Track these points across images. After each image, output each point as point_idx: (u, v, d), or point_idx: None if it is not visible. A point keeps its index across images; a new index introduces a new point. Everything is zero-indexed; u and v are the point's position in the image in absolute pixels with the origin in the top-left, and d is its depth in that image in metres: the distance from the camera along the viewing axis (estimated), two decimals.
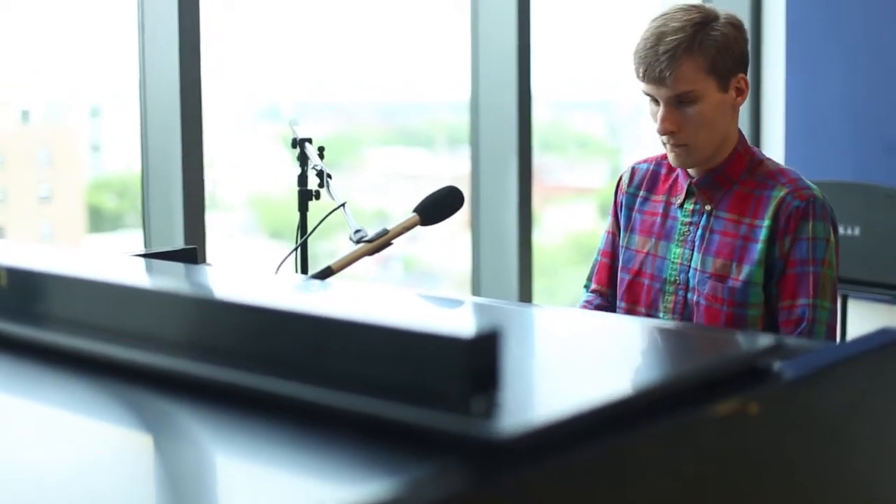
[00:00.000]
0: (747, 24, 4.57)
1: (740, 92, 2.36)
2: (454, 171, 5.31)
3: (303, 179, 2.65)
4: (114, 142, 4.66)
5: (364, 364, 1.12)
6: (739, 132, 2.42)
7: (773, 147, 4.73)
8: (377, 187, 4.81)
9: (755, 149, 2.44)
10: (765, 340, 1.36)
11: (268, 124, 4.86)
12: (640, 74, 2.31)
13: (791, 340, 1.81)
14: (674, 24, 2.29)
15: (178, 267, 1.91)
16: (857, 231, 4.22)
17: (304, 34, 4.29)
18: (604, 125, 5.52)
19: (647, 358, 1.37)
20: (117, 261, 1.97)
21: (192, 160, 3.31)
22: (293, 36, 4.26)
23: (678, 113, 2.31)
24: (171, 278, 1.64)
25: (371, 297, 1.74)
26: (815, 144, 4.59)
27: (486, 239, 4.20)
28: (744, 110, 4.64)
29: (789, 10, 4.61)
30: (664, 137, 2.35)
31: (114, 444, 1.14)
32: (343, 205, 2.27)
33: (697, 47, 2.27)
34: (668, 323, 2.09)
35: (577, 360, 1.34)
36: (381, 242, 2.12)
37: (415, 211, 2.17)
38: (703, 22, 2.30)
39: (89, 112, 4.38)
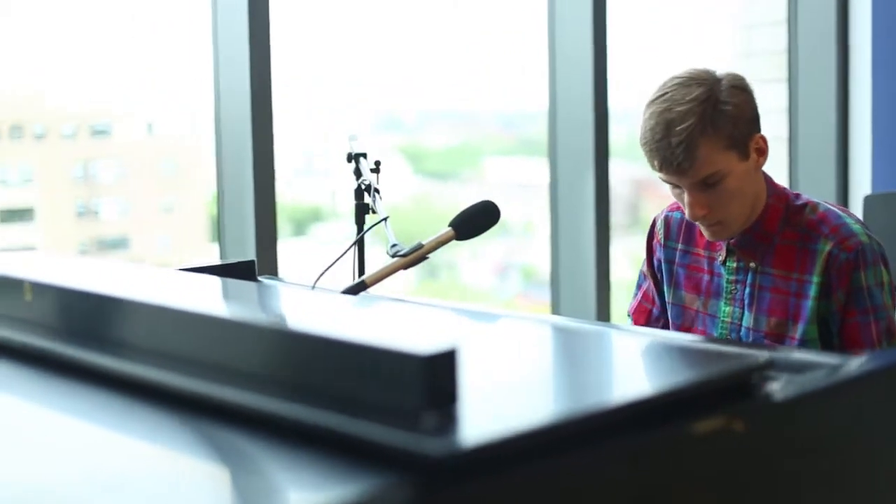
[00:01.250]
0: (833, 32, 4.58)
1: (761, 152, 2.23)
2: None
3: (359, 194, 2.68)
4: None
5: (323, 378, 1.16)
6: (767, 180, 2.30)
7: (861, 158, 4.65)
8: (494, 197, 4.84)
9: (788, 192, 2.32)
10: (758, 357, 1.36)
11: (388, 134, 4.92)
12: (656, 166, 2.19)
13: (803, 356, 1.80)
14: (679, 109, 2.14)
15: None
16: None
17: (425, 43, 4.33)
18: None
19: (627, 374, 1.38)
20: (161, 277, 2.03)
21: (264, 172, 3.38)
22: (414, 45, 4.32)
23: (705, 195, 2.19)
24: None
25: (357, 310, 1.78)
26: None
27: (564, 248, 4.21)
28: (829, 119, 4.58)
29: (875, 16, 4.53)
30: (696, 220, 2.24)
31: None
32: (385, 219, 2.30)
33: (711, 128, 2.14)
34: (661, 337, 2.03)
35: (554, 375, 1.35)
36: (415, 257, 2.14)
37: (450, 225, 2.19)
38: (708, 98, 2.15)
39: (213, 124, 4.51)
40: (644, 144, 2.19)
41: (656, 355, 1.46)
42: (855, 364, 1.55)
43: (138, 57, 3.63)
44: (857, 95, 4.67)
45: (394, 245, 2.17)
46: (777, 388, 1.40)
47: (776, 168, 4.90)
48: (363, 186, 2.48)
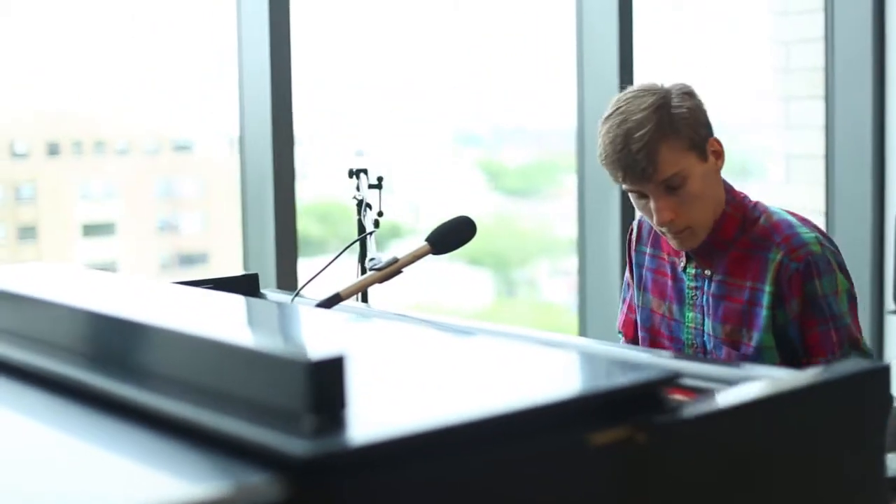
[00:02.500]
0: (869, 43, 4.56)
1: (718, 155, 2.28)
2: None
3: (360, 209, 2.75)
4: (318, 169, 4.87)
5: (218, 380, 1.23)
6: (726, 188, 2.34)
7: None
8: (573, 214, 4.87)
9: (747, 200, 2.36)
10: (664, 370, 1.39)
11: (468, 149, 4.98)
12: (621, 178, 2.23)
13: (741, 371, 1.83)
14: (635, 118, 2.20)
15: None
16: None
17: (504, 60, 4.39)
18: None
19: (525, 383, 1.42)
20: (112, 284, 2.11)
21: (284, 186, 3.46)
22: (492, 61, 4.37)
23: (671, 199, 2.23)
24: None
25: (289, 319, 1.84)
26: None
27: (591, 269, 4.24)
28: (865, 136, 4.56)
29: None
30: (663, 228, 2.27)
31: None
32: (370, 233, 2.36)
33: (670, 130, 2.20)
34: (576, 346, 2.05)
35: (453, 383, 1.40)
36: (390, 271, 2.19)
37: (426, 240, 2.24)
38: (662, 103, 2.21)
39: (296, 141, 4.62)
40: (605, 159, 2.24)
41: (563, 365, 1.50)
42: (783, 381, 1.58)
43: (219, 74, 3.72)
44: (893, 113, 4.65)
45: (371, 259, 2.23)
46: (691, 402, 1.43)
47: (814, 185, 4.89)
48: (356, 201, 2.54)
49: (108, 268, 4.37)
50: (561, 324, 4.71)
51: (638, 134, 2.18)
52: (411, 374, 1.46)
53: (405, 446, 1.14)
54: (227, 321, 1.70)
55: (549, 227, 4.77)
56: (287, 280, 3.45)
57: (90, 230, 4.42)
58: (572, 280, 4.76)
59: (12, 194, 4.29)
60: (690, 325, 2.38)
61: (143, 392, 1.28)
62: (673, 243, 2.33)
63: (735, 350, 2.29)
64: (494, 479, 1.22)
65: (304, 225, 4.31)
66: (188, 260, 4.50)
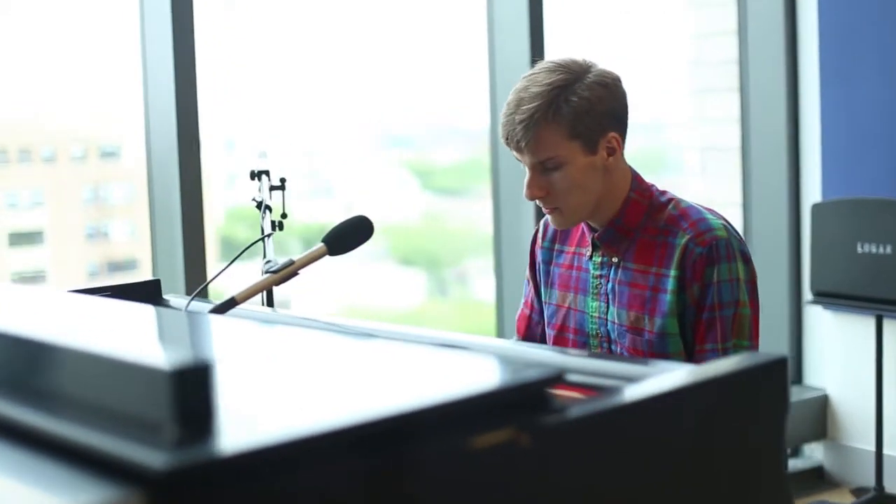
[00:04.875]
0: (781, 36, 4.58)
1: (611, 151, 2.27)
2: None
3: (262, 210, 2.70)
4: (247, 173, 4.81)
5: (75, 388, 1.18)
6: (634, 176, 2.34)
7: (811, 165, 4.65)
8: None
9: (654, 189, 2.35)
10: (547, 370, 1.36)
11: (395, 150, 4.94)
12: (504, 138, 2.26)
13: (645, 369, 1.81)
14: (533, 90, 2.21)
15: None
16: (888, 249, 4.12)
17: (434, 60, 4.36)
18: None
19: (403, 386, 1.38)
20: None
21: (191, 193, 3.40)
22: (423, 61, 4.34)
23: (544, 178, 2.24)
24: None
25: (164, 326, 1.79)
26: (853, 161, 4.50)
27: (507, 267, 4.21)
28: (779, 127, 4.58)
29: (822, 26, 4.53)
30: (532, 200, 2.29)
31: None
32: (267, 236, 2.32)
33: (554, 115, 2.19)
34: (477, 346, 2.03)
35: (331, 389, 1.36)
36: (286, 273, 2.15)
37: (322, 241, 2.20)
38: (564, 85, 2.20)
39: (224, 144, 4.54)
40: (502, 117, 2.27)
41: (449, 368, 1.46)
42: (675, 378, 1.56)
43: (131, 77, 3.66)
44: (807, 105, 4.67)
45: (267, 261, 2.19)
46: (577, 402, 1.40)
47: (730, 177, 4.90)
48: (255, 203, 2.49)
49: (37, 276, 4.29)
50: (492, 322, 4.71)
51: (525, 106, 2.20)
52: (291, 380, 1.41)
53: (272, 455, 1.09)
54: (104, 330, 1.64)
55: (480, 226, 4.78)
56: (197, 285, 3.39)
57: (17, 239, 4.33)
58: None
59: None
60: (594, 314, 2.37)
61: (6, 404, 1.22)
62: (549, 218, 2.35)
63: (639, 337, 2.28)
64: (371, 485, 1.18)
65: (232, 229, 4.26)
66: (117, 267, 4.42)
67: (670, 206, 2.31)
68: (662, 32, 5.10)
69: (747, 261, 2.28)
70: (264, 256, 2.43)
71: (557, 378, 1.36)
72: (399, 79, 4.36)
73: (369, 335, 2.10)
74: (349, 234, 2.20)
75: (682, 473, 1.52)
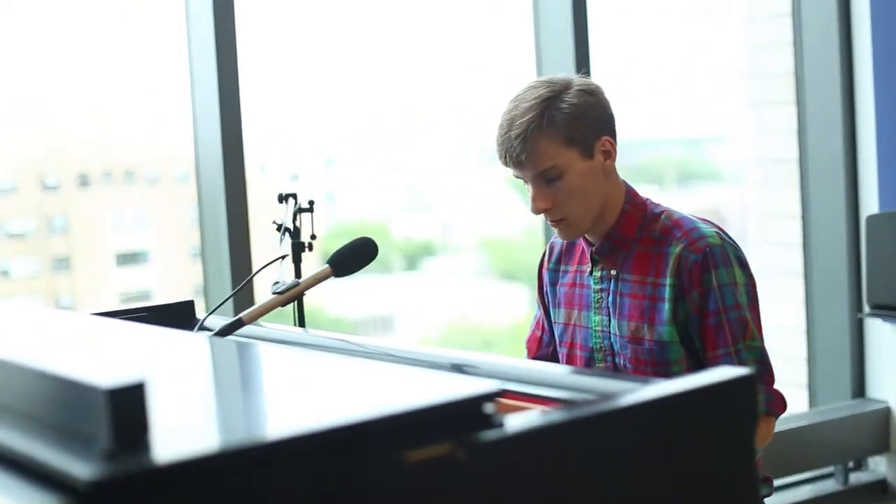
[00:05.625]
0: (835, 43, 4.56)
1: (607, 155, 2.35)
2: (685, 206, 5.38)
3: (296, 233, 2.79)
4: (348, 190, 4.93)
5: (22, 403, 1.28)
6: (627, 190, 2.41)
7: (869, 176, 4.63)
8: None
9: (648, 202, 2.42)
10: (484, 387, 1.41)
11: (495, 166, 5.03)
12: (502, 160, 2.33)
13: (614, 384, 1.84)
14: (523, 106, 2.29)
15: None
16: None
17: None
18: None
19: (338, 399, 1.45)
20: None
21: (238, 212, 3.51)
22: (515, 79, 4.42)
23: (548, 189, 2.31)
24: None
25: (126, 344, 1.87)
26: None
27: None
28: (836, 139, 4.57)
29: (875, 37, 4.51)
30: (539, 215, 2.35)
31: None
32: (283, 257, 2.40)
33: (548, 124, 2.27)
34: (404, 359, 2.10)
35: (277, 404, 1.43)
36: (292, 294, 2.23)
37: (328, 263, 2.28)
38: (551, 97, 2.29)
39: (324, 161, 4.67)
40: (495, 141, 2.34)
41: (395, 383, 1.53)
42: (630, 394, 1.60)
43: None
44: (863, 116, 4.65)
45: (276, 282, 2.27)
46: (518, 417, 1.46)
47: (789, 189, 4.89)
48: (275, 226, 2.58)
49: (143, 296, 4.43)
50: None
51: (519, 122, 2.28)
52: (241, 397, 1.50)
53: (199, 467, 1.17)
54: (71, 349, 1.75)
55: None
56: (243, 304, 3.49)
57: (123, 259, 4.49)
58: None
59: (45, 226, 4.36)
60: (597, 328, 2.42)
61: None
62: (556, 232, 2.41)
63: (639, 346, 2.33)
64: (306, 498, 1.25)
65: (334, 245, 4.35)
66: None
67: (663, 217, 2.38)
68: (717, 45, 5.11)
69: (744, 265, 2.33)
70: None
71: (497, 394, 1.42)
72: (496, 94, 4.43)
73: (371, 354, 2.18)
74: (354, 256, 2.28)
75: (640, 491, 1.55)
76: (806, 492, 4.64)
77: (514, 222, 4.80)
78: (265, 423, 1.34)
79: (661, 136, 5.31)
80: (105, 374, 1.22)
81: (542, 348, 2.60)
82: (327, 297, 4.41)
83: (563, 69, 4.10)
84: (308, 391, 1.51)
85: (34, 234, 4.34)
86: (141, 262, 4.54)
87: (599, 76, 4.17)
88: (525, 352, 2.67)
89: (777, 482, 4.58)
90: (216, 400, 1.47)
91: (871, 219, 4.38)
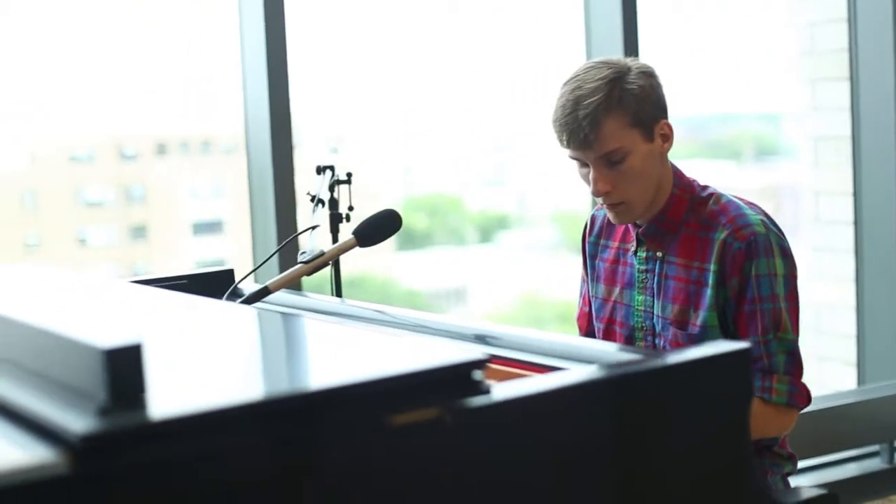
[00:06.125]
0: (889, 27, 4.53)
1: (666, 138, 2.35)
2: (761, 182, 5.39)
3: (333, 204, 2.87)
4: (425, 163, 4.99)
5: (28, 359, 1.37)
6: (675, 172, 2.41)
7: None
8: None
9: (696, 184, 2.42)
10: (471, 355, 1.48)
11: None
12: (565, 142, 2.31)
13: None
14: (588, 86, 2.27)
15: None
16: None
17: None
18: None
19: (325, 365, 1.52)
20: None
21: (284, 184, 3.60)
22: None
23: (610, 172, 2.30)
24: None
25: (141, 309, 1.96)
26: None
27: None
28: (889, 116, 4.54)
29: None
30: (600, 198, 2.35)
31: None
32: (313, 227, 2.47)
33: (616, 104, 2.26)
34: (392, 328, 2.16)
35: (253, 365, 1.52)
36: (317, 263, 2.30)
37: (353, 233, 2.35)
38: (616, 77, 2.28)
39: (402, 136, 4.75)
40: (555, 122, 2.32)
41: (386, 350, 1.60)
42: (620, 365, 1.65)
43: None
44: None
45: (303, 252, 2.34)
46: (506, 384, 1.52)
47: (842, 166, 4.88)
48: (309, 197, 2.65)
49: (218, 264, 4.55)
50: None
51: (586, 101, 2.26)
52: (235, 359, 1.58)
53: (190, 425, 1.26)
54: (83, 312, 1.84)
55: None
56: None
57: (199, 228, 4.58)
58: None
59: (123, 195, 4.46)
60: (640, 308, 2.44)
61: None
62: (610, 216, 2.40)
63: (682, 330, 2.34)
64: (294, 457, 1.32)
65: (410, 218, 4.41)
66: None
67: (711, 202, 2.38)
68: (774, 22, 5.09)
69: (786, 255, 2.33)
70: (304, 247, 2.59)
71: (485, 361, 1.48)
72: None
73: (400, 325, 2.25)
74: (378, 227, 2.34)
75: (631, 460, 1.60)
76: (851, 469, 4.64)
77: (588, 196, 4.84)
78: (259, 385, 1.41)
79: (740, 111, 5.30)
80: (105, 335, 1.31)
81: (592, 323, 2.61)
82: (402, 270, 4.47)
83: (611, 49, 4.13)
84: (307, 357, 1.59)
85: (112, 203, 4.44)
86: (217, 231, 4.63)
87: (650, 55, 4.20)
88: (577, 330, 2.68)
89: (822, 459, 4.61)
90: (216, 363, 1.55)
91: None
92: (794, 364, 2.33)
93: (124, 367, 1.29)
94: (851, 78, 4.80)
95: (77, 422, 1.22)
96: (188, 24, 4.01)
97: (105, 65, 3.98)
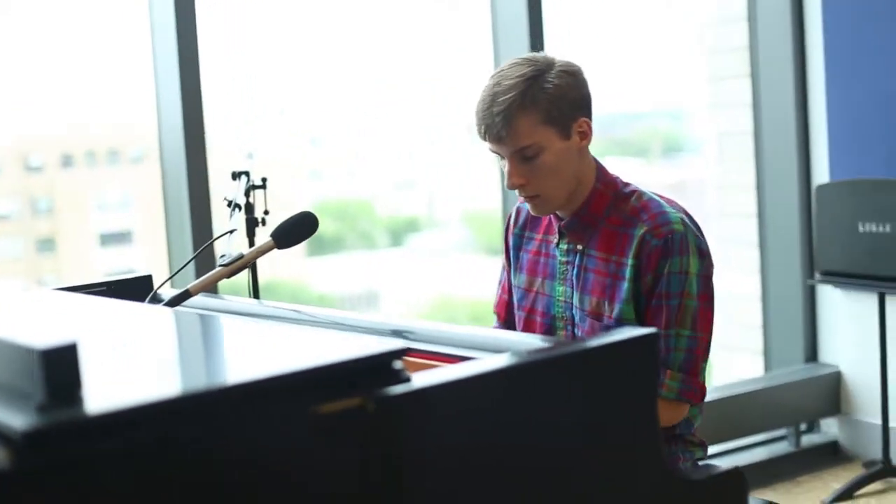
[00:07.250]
0: (788, 25, 4.69)
1: (584, 135, 2.40)
2: (669, 178, 5.48)
3: (249, 209, 2.92)
4: (332, 168, 4.98)
5: None
6: (598, 168, 2.47)
7: (819, 148, 4.76)
8: None
9: (619, 181, 2.48)
10: (392, 345, 1.55)
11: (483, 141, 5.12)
12: (482, 134, 2.38)
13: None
14: (507, 83, 2.33)
15: None
16: (888, 228, 4.23)
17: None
18: None
19: (250, 359, 1.59)
20: None
21: (198, 191, 3.64)
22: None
23: (524, 166, 2.36)
24: None
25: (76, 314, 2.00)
26: (857, 143, 4.61)
27: None
28: (789, 112, 4.70)
29: (826, 11, 4.64)
30: (514, 190, 2.42)
31: None
32: (231, 232, 2.52)
33: (530, 102, 2.32)
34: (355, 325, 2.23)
35: (198, 363, 1.57)
36: (237, 266, 2.35)
37: (271, 236, 2.40)
38: (534, 76, 2.34)
39: (309, 141, 4.74)
40: (476, 114, 2.40)
41: (309, 343, 1.67)
42: (535, 352, 1.73)
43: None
44: (815, 88, 4.78)
45: (222, 255, 2.39)
46: (426, 373, 1.59)
47: (745, 161, 5.03)
48: (226, 202, 2.71)
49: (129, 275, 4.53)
50: None
51: (501, 98, 2.33)
52: (167, 358, 1.63)
53: (125, 419, 1.31)
54: (18, 317, 1.88)
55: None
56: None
57: (107, 239, 4.53)
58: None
59: (29, 207, 4.40)
60: (560, 298, 2.50)
61: None
62: (528, 207, 2.48)
63: (598, 322, 2.41)
64: (223, 448, 1.38)
65: (320, 223, 4.43)
66: None
67: (633, 198, 2.44)
68: (680, 20, 5.23)
69: (703, 255, 2.39)
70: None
71: (403, 351, 1.55)
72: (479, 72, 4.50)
73: (318, 323, 2.32)
74: (296, 229, 2.39)
75: (544, 444, 1.67)
76: (760, 453, 4.79)
77: (497, 196, 4.91)
78: (189, 380, 1.47)
79: (646, 109, 5.41)
80: (41, 337, 1.36)
81: (511, 312, 2.67)
82: (312, 275, 4.49)
83: (517, 50, 4.22)
84: (231, 353, 1.65)
85: (18, 216, 4.39)
86: (125, 241, 4.59)
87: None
88: (492, 322, 2.75)
89: (732, 444, 4.75)
90: (147, 361, 1.61)
91: (820, 188, 4.52)
92: (692, 361, 2.38)
93: (60, 366, 1.34)
94: (753, 75, 4.96)
95: (17, 419, 1.27)
96: (93, 29, 4.01)
97: (6, 74, 3.96)
